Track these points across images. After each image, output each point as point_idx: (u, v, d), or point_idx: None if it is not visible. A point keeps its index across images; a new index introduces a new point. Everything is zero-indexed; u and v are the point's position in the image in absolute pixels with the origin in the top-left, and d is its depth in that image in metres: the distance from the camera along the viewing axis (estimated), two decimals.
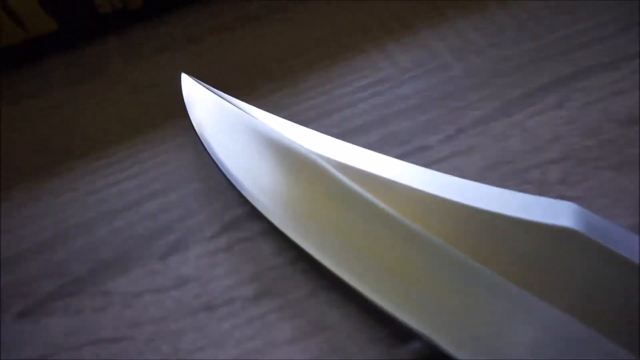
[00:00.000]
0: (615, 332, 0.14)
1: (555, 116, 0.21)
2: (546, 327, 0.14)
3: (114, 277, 0.18)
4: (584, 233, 0.15)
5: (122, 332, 0.17)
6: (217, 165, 0.19)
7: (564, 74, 0.22)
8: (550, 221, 0.15)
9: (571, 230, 0.15)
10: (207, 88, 0.21)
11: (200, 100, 0.20)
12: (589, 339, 0.14)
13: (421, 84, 0.22)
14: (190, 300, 0.18)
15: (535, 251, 0.15)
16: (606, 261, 0.15)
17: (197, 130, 0.20)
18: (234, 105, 0.20)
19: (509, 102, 0.21)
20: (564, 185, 0.19)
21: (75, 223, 0.20)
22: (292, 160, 0.18)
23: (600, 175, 0.19)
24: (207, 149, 0.19)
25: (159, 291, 0.18)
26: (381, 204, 0.16)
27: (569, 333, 0.14)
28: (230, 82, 0.23)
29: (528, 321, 0.14)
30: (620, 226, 0.15)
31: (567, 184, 0.19)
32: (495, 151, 0.20)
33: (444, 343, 0.14)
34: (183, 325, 0.17)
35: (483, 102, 0.21)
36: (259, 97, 0.22)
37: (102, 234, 0.19)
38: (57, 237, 0.19)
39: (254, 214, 0.19)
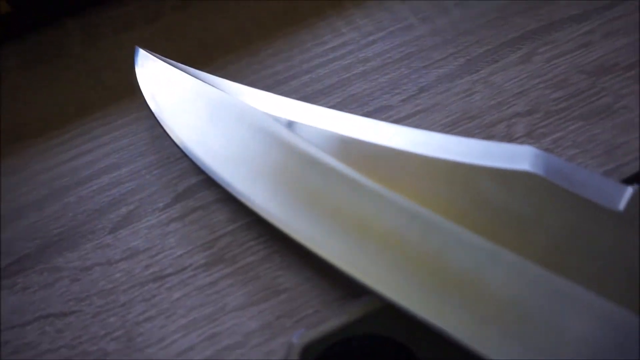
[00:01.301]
0: (585, 277, 0.13)
1: (522, 70, 0.20)
2: (513, 278, 0.13)
3: (63, 252, 0.18)
4: (544, 176, 0.14)
5: (69, 307, 0.16)
6: (170, 137, 0.18)
7: (530, 28, 0.21)
8: (509, 166, 0.15)
9: (531, 174, 0.14)
10: (161, 60, 0.20)
11: (155, 73, 0.20)
12: (562, 287, 0.13)
13: (383, 46, 0.21)
14: (140, 272, 0.17)
15: (495, 197, 0.14)
16: (567, 203, 0.14)
17: (149, 103, 0.19)
18: (187, 73, 0.19)
19: (473, 59, 0.20)
20: (531, 139, 0.18)
21: (26, 202, 0.19)
22: (245, 123, 0.17)
23: (569, 127, 0.18)
24: (160, 121, 0.19)
25: (109, 264, 0.17)
26: (337, 162, 0.16)
27: (537, 281, 0.13)
28: (191, 56, 0.22)
29: (494, 274, 0.13)
30: (581, 167, 0.14)
31: (534, 137, 0.18)
32: (459, 108, 0.19)
33: (402, 299, 0.13)
34: (132, 297, 0.16)
35: (447, 60, 0.20)
36: (218, 69, 0.22)
37: (53, 210, 0.19)
38: (7, 216, 0.19)
39: (208, 182, 0.18)
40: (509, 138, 0.18)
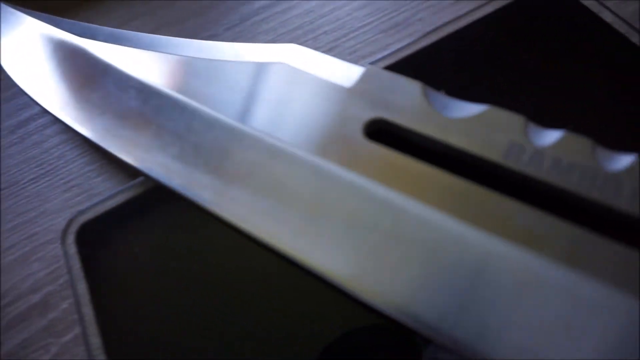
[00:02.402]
0: (312, 145, 0.14)
1: None
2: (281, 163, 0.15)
3: None
4: (295, 66, 0.16)
5: None
6: (7, 74, 0.20)
7: None
8: (268, 60, 0.16)
9: (284, 65, 0.16)
10: (9, 6, 0.22)
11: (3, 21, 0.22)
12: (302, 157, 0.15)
13: None
14: None
15: (253, 87, 0.16)
16: (310, 87, 0.15)
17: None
18: (28, 16, 0.21)
19: None
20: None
21: None
22: (63, 53, 0.19)
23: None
24: (3, 64, 0.21)
25: None
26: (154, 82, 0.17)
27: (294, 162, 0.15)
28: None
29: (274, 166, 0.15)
30: (329, 56, 0.16)
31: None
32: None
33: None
34: None
35: None
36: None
37: None
38: None
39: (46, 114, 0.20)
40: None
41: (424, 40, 0.17)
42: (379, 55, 0.17)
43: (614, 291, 0.11)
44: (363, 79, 0.15)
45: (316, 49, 0.20)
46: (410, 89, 0.14)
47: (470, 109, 0.14)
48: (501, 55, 0.17)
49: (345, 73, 0.15)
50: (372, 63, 0.17)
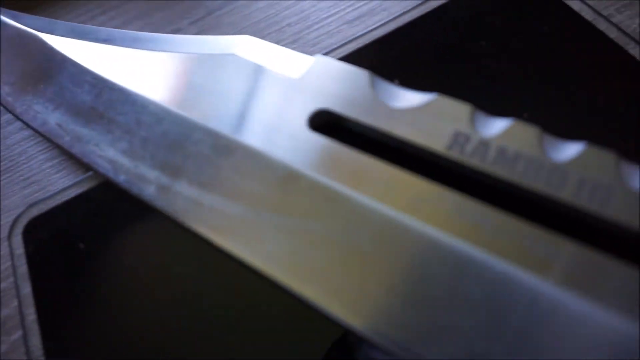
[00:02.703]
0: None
1: None
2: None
3: None
4: (242, 56, 0.15)
5: None
6: None
7: None
8: (217, 52, 0.16)
9: (234, 56, 0.16)
10: None
11: None
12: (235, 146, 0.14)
13: None
14: None
15: (203, 80, 0.16)
16: (258, 78, 0.15)
17: None
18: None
19: None
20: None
21: None
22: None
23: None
24: None
25: None
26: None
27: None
28: None
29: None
30: (281, 46, 0.16)
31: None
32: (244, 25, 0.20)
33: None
34: None
35: None
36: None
37: None
38: None
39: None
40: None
41: (383, 29, 0.17)
42: (341, 46, 0.17)
43: (553, 285, 0.10)
44: (312, 69, 0.15)
45: (280, 41, 0.20)
46: (357, 79, 0.14)
47: (417, 99, 0.13)
48: (458, 45, 0.16)
49: (295, 64, 0.15)
50: (326, 54, 0.16)
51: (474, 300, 0.11)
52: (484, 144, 0.12)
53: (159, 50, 0.17)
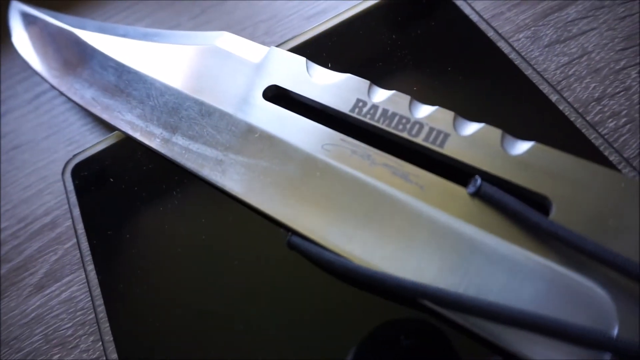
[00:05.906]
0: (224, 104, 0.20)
1: None
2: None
3: None
4: (223, 48, 0.22)
5: None
6: (23, 58, 0.26)
7: None
8: (202, 44, 0.22)
9: (215, 48, 0.22)
10: (20, 4, 0.28)
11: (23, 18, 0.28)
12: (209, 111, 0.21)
13: None
14: None
15: (192, 65, 0.22)
16: (230, 65, 0.21)
17: (14, 41, 0.28)
18: (40, 13, 0.27)
19: None
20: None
21: None
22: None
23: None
24: (20, 52, 0.27)
25: None
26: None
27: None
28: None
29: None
30: (252, 42, 0.22)
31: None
32: (227, 21, 0.27)
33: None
34: None
35: None
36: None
37: None
38: None
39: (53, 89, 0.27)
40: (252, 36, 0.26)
41: (328, 24, 0.23)
42: (298, 36, 0.23)
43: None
44: (267, 56, 0.21)
45: (255, 33, 0.26)
46: (297, 63, 0.20)
47: (335, 77, 0.19)
48: (377, 37, 0.22)
49: (256, 52, 0.21)
50: (285, 43, 0.23)
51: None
52: (374, 107, 0.18)
53: (162, 43, 0.23)
